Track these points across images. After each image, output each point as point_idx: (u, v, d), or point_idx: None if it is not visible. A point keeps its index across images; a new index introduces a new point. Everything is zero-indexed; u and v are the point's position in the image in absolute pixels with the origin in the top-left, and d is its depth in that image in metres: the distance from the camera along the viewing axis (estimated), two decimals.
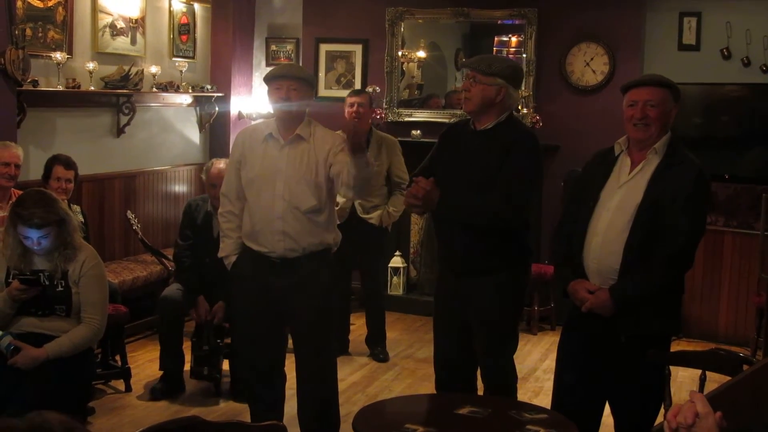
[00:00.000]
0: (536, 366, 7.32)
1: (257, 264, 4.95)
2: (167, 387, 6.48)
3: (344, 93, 8.58)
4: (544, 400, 5.93)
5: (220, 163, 6.44)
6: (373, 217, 7.22)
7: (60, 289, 4.63)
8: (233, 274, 5.12)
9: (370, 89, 8.75)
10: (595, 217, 4.27)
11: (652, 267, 4.10)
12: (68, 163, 6.41)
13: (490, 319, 4.82)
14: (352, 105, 7.11)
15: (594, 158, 4.51)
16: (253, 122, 9.68)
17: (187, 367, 6.57)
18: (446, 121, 8.93)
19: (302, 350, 5.14)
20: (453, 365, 5.03)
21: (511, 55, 9.40)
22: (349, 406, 5.98)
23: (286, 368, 5.26)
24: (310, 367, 5.13)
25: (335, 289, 5.27)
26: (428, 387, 6.56)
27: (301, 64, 9.66)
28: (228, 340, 6.38)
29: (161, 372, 6.55)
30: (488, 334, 4.86)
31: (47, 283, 4.62)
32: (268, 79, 4.95)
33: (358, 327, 7.92)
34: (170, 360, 6.52)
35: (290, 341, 5.22)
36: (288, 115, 4.89)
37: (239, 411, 6.12)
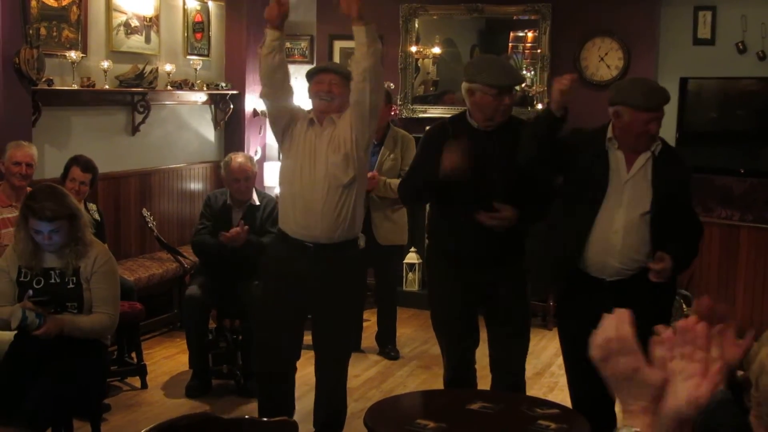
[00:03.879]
0: (551, 361, 7.30)
1: (291, 250, 5.05)
2: (199, 384, 6.49)
3: None
4: (559, 396, 5.93)
5: (239, 157, 6.48)
6: (387, 238, 7.23)
7: (71, 286, 4.63)
8: (267, 259, 5.28)
9: (392, 85, 8.74)
10: (606, 217, 4.37)
11: (688, 242, 4.54)
12: (87, 166, 6.40)
13: (516, 305, 4.96)
14: None
15: (583, 136, 4.67)
16: (267, 118, 9.71)
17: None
18: None
19: (324, 340, 5.21)
20: (470, 363, 5.09)
21: (527, 51, 9.38)
22: (364, 402, 5.98)
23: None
24: (331, 360, 5.23)
25: (364, 277, 5.44)
26: (442, 383, 6.57)
27: (315, 62, 9.67)
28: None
29: (189, 370, 6.58)
30: (513, 319, 4.97)
31: (58, 280, 4.63)
32: (310, 74, 5.14)
33: (371, 324, 7.91)
34: (199, 358, 6.53)
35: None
36: (328, 108, 5.01)
37: (252, 409, 6.13)
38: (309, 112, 5.11)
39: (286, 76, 5.06)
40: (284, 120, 5.05)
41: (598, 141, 4.50)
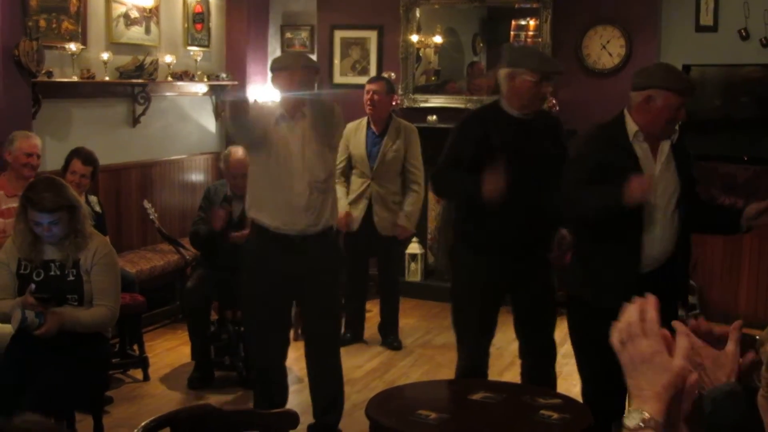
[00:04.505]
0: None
1: (272, 244, 5.08)
2: (202, 376, 6.49)
3: (360, 80, 8.61)
4: (563, 385, 5.90)
5: (239, 152, 6.46)
6: (388, 228, 7.22)
7: (71, 278, 4.61)
8: (246, 255, 5.28)
9: (393, 75, 8.72)
10: (647, 212, 4.32)
11: None
12: (88, 159, 6.38)
13: (549, 293, 5.03)
14: (368, 92, 7.10)
15: (600, 144, 4.47)
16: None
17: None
18: (462, 106, 8.88)
19: (315, 329, 5.31)
20: (487, 353, 5.11)
21: (528, 40, 9.35)
22: (366, 393, 5.97)
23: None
24: (324, 348, 5.34)
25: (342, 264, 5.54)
26: (446, 373, 6.55)
27: (316, 51, 9.64)
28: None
29: (191, 362, 6.59)
30: (547, 307, 5.05)
31: (58, 272, 4.61)
32: (276, 69, 5.13)
33: (374, 314, 7.90)
34: (201, 350, 6.53)
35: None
36: (295, 101, 5.07)
37: None
38: (277, 105, 5.13)
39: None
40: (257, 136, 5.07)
41: (620, 138, 4.36)
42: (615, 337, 1.69)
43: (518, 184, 4.64)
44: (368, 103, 7.10)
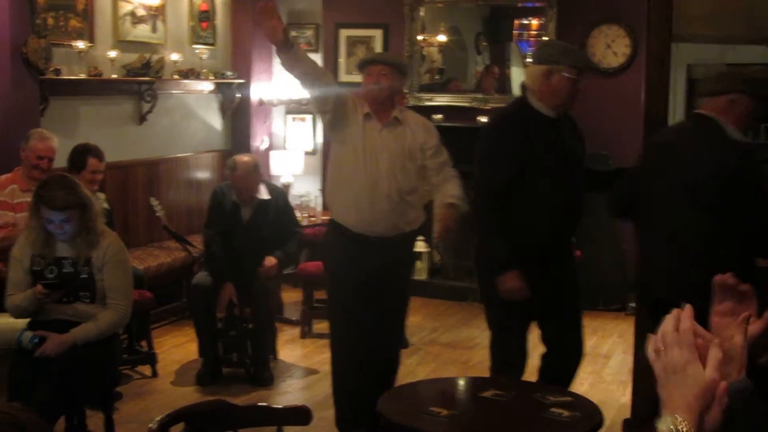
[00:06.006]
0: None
1: (349, 246, 5.10)
2: (209, 372, 6.51)
3: None
4: (573, 384, 5.93)
5: (243, 167, 6.46)
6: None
7: (84, 275, 4.63)
8: (327, 257, 5.35)
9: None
10: None
11: None
12: (100, 154, 6.43)
13: (578, 292, 5.02)
14: None
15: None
16: (274, 107, 9.72)
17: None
18: (467, 105, 8.91)
19: (383, 325, 5.28)
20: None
21: (531, 39, 9.38)
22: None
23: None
24: (386, 345, 5.37)
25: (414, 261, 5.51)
26: (452, 371, 6.59)
27: (321, 50, 9.67)
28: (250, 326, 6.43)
29: (199, 358, 6.60)
30: (578, 306, 5.05)
31: (71, 270, 4.63)
32: (361, 65, 5.17)
33: None
34: (208, 346, 6.55)
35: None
36: (378, 98, 5.05)
37: (264, 397, 6.16)
38: (362, 104, 5.08)
39: (316, 74, 4.98)
40: (330, 102, 4.99)
41: (715, 140, 4.34)
42: (650, 347, 1.69)
43: (557, 186, 4.67)
44: None
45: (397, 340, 5.49)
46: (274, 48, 4.86)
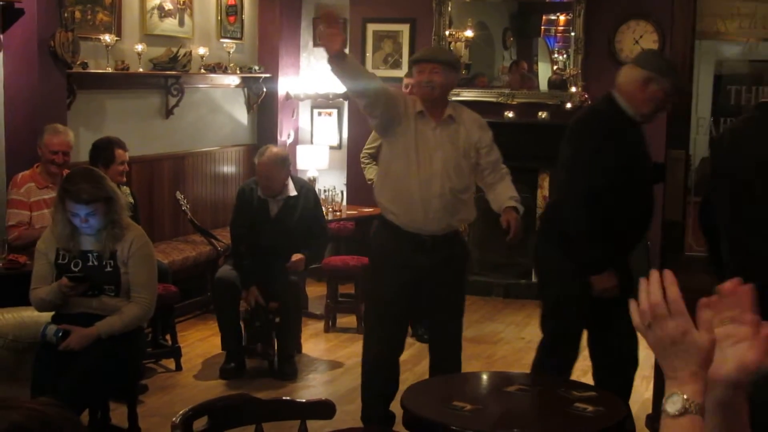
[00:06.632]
0: (584, 344, 7.25)
1: (403, 245, 5.08)
2: (234, 367, 6.52)
3: (392, 73, 8.71)
4: (584, 379, 5.91)
5: (267, 154, 6.46)
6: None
7: (109, 269, 4.64)
8: (374, 250, 5.31)
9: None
10: None
11: None
12: (124, 145, 6.48)
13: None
14: (406, 86, 7.06)
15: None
16: (301, 101, 9.72)
17: None
18: (494, 100, 8.88)
19: (440, 328, 5.35)
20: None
21: (559, 35, 9.35)
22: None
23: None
24: (446, 349, 5.35)
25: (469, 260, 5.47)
26: (475, 365, 6.57)
27: (348, 45, 9.67)
28: (278, 319, 6.42)
29: (223, 352, 6.61)
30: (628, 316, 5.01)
31: (96, 263, 4.64)
32: (412, 63, 5.20)
33: None
34: (231, 340, 6.56)
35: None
36: (430, 97, 5.01)
37: (288, 391, 6.17)
38: (415, 102, 5.06)
39: (367, 83, 4.92)
40: (380, 107, 4.94)
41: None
42: (638, 319, 1.62)
43: (636, 189, 4.71)
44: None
45: (454, 339, 5.38)
46: (325, 55, 4.72)
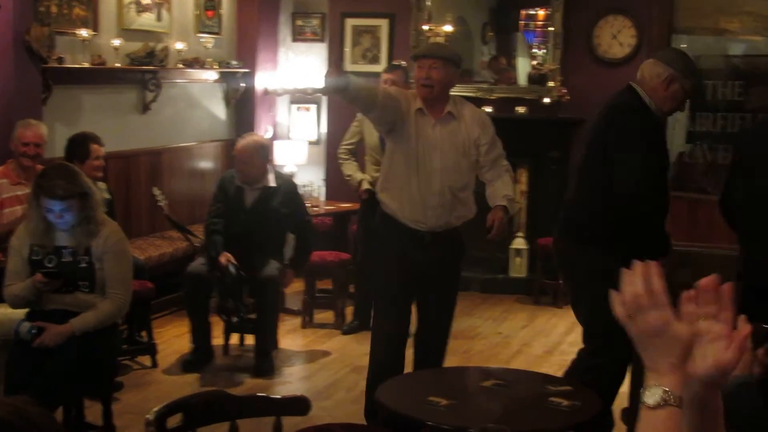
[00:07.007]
0: (562, 340, 7.30)
1: (402, 238, 5.10)
2: (197, 359, 6.53)
3: (370, 68, 8.66)
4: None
5: (245, 139, 6.49)
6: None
7: (83, 265, 4.61)
8: (377, 243, 5.38)
9: (404, 63, 8.68)
10: None
11: None
12: (100, 140, 6.43)
13: None
14: (385, 81, 7.04)
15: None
16: (279, 96, 9.70)
17: (216, 342, 6.71)
18: (472, 95, 8.86)
19: (431, 322, 5.34)
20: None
21: (538, 29, 9.35)
22: None
23: None
24: (434, 343, 5.39)
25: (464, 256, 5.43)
26: (452, 360, 6.53)
27: (326, 39, 9.65)
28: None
29: (192, 346, 6.61)
30: None
31: (70, 259, 4.62)
32: (413, 59, 5.20)
33: None
34: (199, 333, 6.56)
35: None
36: (429, 94, 4.99)
37: (265, 387, 6.15)
38: (416, 98, 5.04)
39: (373, 101, 4.89)
40: (387, 115, 4.95)
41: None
42: (619, 310, 1.62)
43: (661, 180, 4.74)
44: None
45: (442, 334, 5.41)
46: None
